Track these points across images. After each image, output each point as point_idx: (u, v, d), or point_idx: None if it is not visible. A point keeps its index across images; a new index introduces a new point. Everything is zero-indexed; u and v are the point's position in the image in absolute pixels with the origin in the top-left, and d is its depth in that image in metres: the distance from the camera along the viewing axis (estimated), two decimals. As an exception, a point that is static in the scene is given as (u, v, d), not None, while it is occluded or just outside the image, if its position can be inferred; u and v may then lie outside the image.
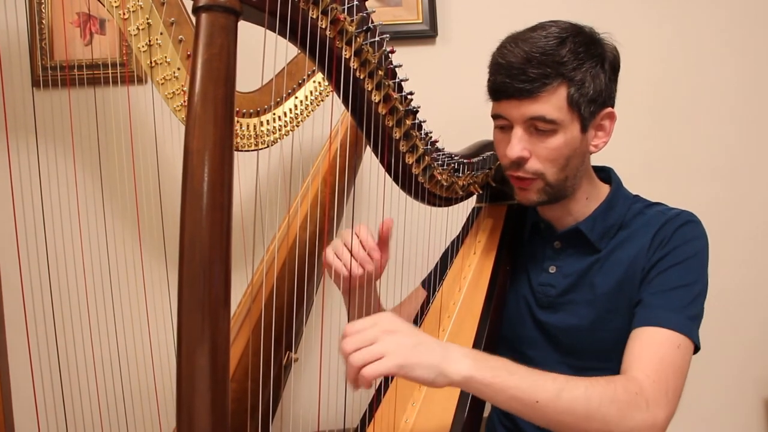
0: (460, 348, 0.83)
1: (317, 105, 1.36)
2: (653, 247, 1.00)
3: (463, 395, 0.96)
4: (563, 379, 0.83)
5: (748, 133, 1.74)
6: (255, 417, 1.14)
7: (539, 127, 0.96)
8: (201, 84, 0.67)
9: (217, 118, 0.67)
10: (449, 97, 1.62)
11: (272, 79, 1.29)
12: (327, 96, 1.35)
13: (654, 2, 1.72)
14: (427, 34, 1.69)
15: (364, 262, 1.00)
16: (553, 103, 0.94)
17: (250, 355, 1.15)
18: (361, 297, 1.05)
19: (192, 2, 0.69)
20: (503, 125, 1.02)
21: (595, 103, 0.97)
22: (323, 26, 0.81)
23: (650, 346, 0.90)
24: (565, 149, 0.97)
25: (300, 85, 1.33)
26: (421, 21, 1.69)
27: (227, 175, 0.68)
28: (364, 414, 1.01)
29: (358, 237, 1.01)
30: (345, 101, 0.88)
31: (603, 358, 1.02)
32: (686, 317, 0.93)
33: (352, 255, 1.00)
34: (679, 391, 0.89)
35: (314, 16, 0.80)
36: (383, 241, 1.02)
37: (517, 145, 0.97)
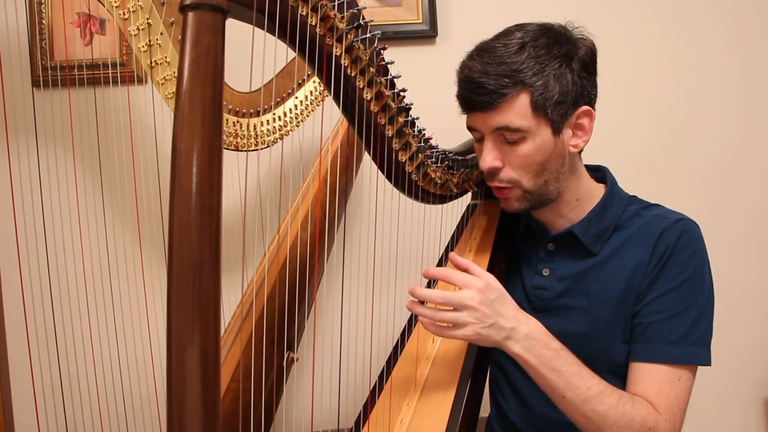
0: (526, 327, 0.92)
1: (317, 105, 1.36)
2: (653, 261, 0.99)
3: (459, 395, 0.96)
4: (596, 389, 0.91)
5: (747, 133, 1.74)
6: (255, 416, 1.13)
7: (507, 137, 0.96)
8: (188, 84, 0.66)
9: (205, 118, 0.66)
10: (449, 97, 1.61)
11: (272, 79, 1.28)
12: (327, 96, 1.35)
13: (653, 2, 1.72)
14: (427, 34, 1.69)
15: None
16: (516, 112, 0.94)
17: (250, 355, 1.14)
18: None
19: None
20: (478, 137, 1.02)
21: (563, 105, 0.96)
22: (313, 23, 0.80)
23: (655, 383, 0.95)
24: (537, 155, 0.97)
25: (300, 86, 1.33)
26: (421, 21, 1.68)
27: (216, 176, 0.67)
28: (359, 415, 1.00)
29: None
30: (336, 99, 0.87)
31: (591, 366, 1.01)
32: (687, 345, 0.95)
33: None
34: (682, 422, 0.96)
35: (304, 13, 0.79)
36: None
37: (488, 156, 0.99)
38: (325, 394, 1.01)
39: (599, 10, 1.70)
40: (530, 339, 0.91)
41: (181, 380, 0.64)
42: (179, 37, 1.07)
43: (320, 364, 1.05)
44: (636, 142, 1.72)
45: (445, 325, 0.91)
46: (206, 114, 0.66)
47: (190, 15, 0.66)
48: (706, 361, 0.96)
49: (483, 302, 0.90)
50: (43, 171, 1.52)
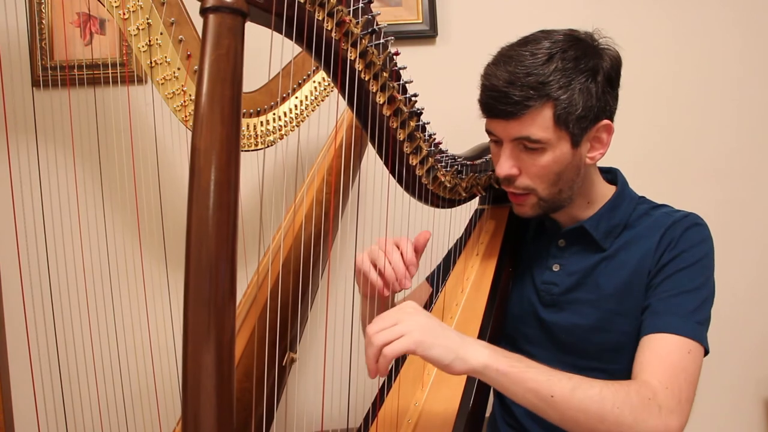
0: (477, 340, 0.86)
1: (318, 105, 1.36)
2: (660, 250, 1.00)
3: (466, 394, 0.97)
4: (578, 378, 0.85)
5: (754, 134, 1.74)
6: (256, 416, 1.14)
7: (526, 146, 0.96)
8: (208, 84, 0.67)
9: (224, 118, 0.67)
10: (449, 97, 1.62)
11: (273, 78, 1.29)
12: (327, 96, 1.36)
13: (658, 2, 1.73)
14: (427, 34, 1.70)
15: (400, 276, 0.97)
16: (538, 124, 0.94)
17: (250, 355, 1.15)
18: (383, 303, 1.05)
19: (198, 2, 0.69)
20: (495, 140, 1.03)
21: (585, 119, 0.95)
22: (329, 28, 0.82)
23: (661, 352, 0.91)
24: (555, 166, 0.97)
25: (300, 85, 1.33)
26: (421, 21, 1.69)
27: (234, 175, 0.68)
28: (368, 413, 1.01)
29: (398, 248, 0.98)
30: (350, 103, 0.88)
31: (605, 359, 1.03)
32: (695, 322, 0.93)
33: (390, 264, 0.97)
34: (692, 398, 0.89)
35: (320, 18, 0.80)
36: (417, 253, 1.00)
37: (505, 164, 0.99)
38: (335, 392, 1.02)
39: (602, 10, 1.70)
40: (488, 347, 0.84)
41: (197, 374, 0.65)
42: (179, 37, 1.09)
43: (330, 362, 1.06)
44: (644, 141, 1.72)
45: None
46: (225, 114, 0.68)
47: (211, 17, 0.68)
48: (708, 346, 0.94)
49: (418, 312, 0.84)
50: (43, 171, 1.52)
